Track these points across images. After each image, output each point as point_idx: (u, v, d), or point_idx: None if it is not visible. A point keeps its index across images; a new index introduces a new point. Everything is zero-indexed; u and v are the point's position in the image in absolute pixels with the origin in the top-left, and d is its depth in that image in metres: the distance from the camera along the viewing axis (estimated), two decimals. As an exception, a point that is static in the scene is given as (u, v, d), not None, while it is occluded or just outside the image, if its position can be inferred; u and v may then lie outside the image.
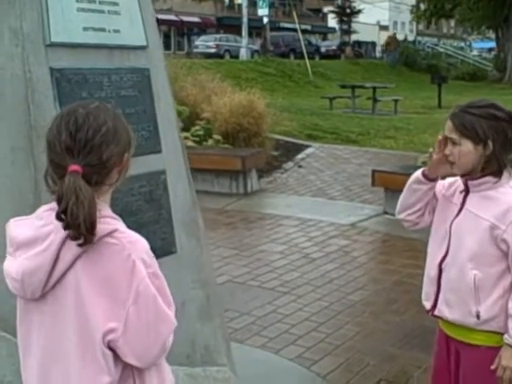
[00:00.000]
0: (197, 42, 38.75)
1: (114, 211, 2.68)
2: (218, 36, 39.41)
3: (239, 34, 34.49)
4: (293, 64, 29.91)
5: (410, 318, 4.90)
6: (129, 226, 2.75)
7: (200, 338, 3.01)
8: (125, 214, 2.70)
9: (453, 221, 2.56)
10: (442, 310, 2.60)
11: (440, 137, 2.51)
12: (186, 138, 10.68)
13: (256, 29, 41.29)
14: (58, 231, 1.69)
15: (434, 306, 2.63)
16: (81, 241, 1.67)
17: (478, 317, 2.48)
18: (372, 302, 5.32)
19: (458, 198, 2.58)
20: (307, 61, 28.71)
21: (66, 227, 1.66)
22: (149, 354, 1.75)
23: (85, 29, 2.57)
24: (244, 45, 32.96)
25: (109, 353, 1.71)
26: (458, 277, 2.51)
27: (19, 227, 1.79)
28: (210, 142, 10.64)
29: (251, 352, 4.33)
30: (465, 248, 2.50)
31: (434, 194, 2.65)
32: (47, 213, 1.76)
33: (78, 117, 1.73)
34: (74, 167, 1.68)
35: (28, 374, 1.83)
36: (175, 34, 47.91)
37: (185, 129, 11.13)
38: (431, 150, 2.57)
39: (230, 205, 8.56)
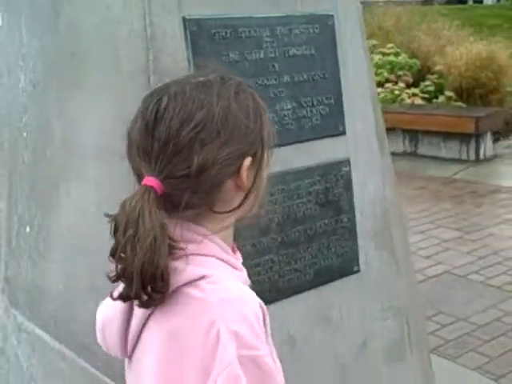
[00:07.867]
0: (438, -13, 36.24)
1: (271, 220, 1.97)
2: (462, -21, 36.48)
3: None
4: (547, 7, 26.69)
5: None
6: (294, 239, 2.05)
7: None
8: (286, 224, 1.98)
9: None
10: None
11: None
12: (415, 94, 9.71)
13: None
14: None
15: None
16: (139, 302, 1.02)
17: None
18: None
19: None
20: None
21: (116, 277, 1.01)
22: None
23: (238, -38, 1.82)
24: (490, -13, 30.13)
25: None
26: None
27: None
28: (441, 98, 9.56)
29: (465, 376, 3.43)
30: None
31: None
32: None
33: (163, 99, 1.04)
34: (147, 180, 1.02)
35: None
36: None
37: (414, 84, 10.11)
38: None
39: (458, 173, 7.48)
